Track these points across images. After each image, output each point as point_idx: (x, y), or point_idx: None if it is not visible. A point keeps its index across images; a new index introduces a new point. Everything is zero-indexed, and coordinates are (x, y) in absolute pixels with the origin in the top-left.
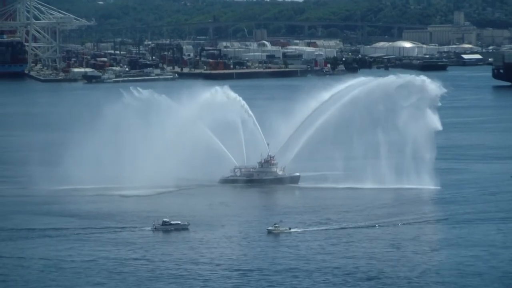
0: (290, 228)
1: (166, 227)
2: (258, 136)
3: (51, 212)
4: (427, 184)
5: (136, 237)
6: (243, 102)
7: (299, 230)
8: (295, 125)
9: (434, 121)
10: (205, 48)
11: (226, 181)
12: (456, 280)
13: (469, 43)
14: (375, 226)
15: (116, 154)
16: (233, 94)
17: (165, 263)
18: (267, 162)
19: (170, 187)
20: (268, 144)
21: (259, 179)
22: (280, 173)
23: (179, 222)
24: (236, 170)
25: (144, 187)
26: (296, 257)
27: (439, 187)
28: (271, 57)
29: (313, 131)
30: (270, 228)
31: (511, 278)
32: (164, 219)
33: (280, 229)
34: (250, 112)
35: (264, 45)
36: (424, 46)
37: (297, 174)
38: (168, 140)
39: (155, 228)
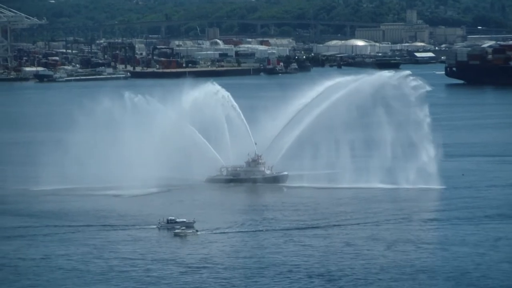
0: (197, 231)
1: (172, 225)
2: (247, 135)
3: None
4: (381, 183)
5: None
6: (233, 100)
7: (206, 233)
8: (282, 123)
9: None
10: (158, 46)
11: (212, 180)
12: (411, 277)
13: (422, 41)
14: (293, 229)
15: (104, 154)
16: (224, 93)
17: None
18: (254, 161)
19: (154, 187)
20: (255, 144)
21: (246, 178)
22: (267, 172)
23: (185, 220)
24: (222, 169)
25: (128, 187)
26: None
27: (394, 186)
28: (223, 56)
29: (302, 130)
30: (176, 230)
31: (464, 275)
32: (170, 217)
33: (187, 231)
34: (239, 111)
35: (216, 43)
36: (377, 44)
37: (285, 173)
38: (155, 140)
39: (161, 227)
